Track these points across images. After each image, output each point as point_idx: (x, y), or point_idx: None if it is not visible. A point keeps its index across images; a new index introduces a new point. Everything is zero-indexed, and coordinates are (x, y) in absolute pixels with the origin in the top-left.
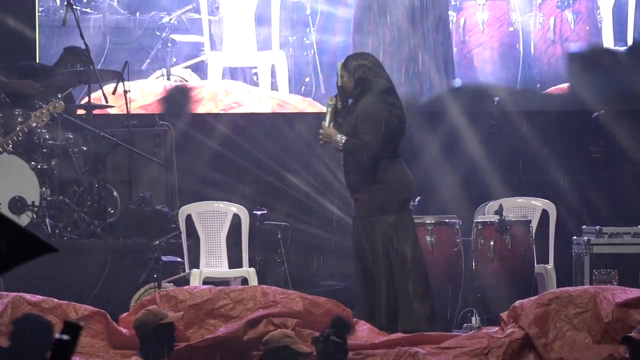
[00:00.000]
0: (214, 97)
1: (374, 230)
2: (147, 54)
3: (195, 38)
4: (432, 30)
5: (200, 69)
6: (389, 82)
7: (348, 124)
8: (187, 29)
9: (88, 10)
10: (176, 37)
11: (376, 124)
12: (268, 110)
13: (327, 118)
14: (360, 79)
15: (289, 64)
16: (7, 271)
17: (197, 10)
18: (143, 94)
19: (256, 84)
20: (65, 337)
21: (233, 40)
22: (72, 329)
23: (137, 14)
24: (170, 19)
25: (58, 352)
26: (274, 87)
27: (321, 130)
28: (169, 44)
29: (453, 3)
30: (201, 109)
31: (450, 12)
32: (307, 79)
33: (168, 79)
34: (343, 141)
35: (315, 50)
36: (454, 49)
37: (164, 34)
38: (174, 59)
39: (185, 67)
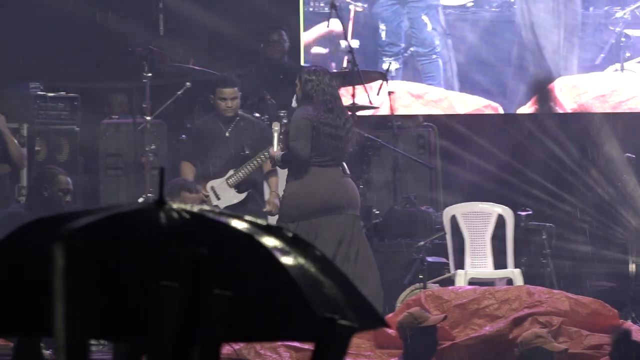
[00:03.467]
0: None
1: None
2: (601, 48)
3: None
4: None
5: None
6: (332, 100)
7: (285, 135)
8: None
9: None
10: (630, 31)
11: (299, 130)
12: None
13: (275, 143)
14: (307, 93)
15: None
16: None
17: None
18: (596, 89)
19: None
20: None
21: None
22: (345, 331)
23: (591, 9)
24: (624, 14)
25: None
26: None
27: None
28: (623, 39)
29: None
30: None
31: None
32: None
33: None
34: (279, 156)
35: None
36: None
37: (617, 29)
38: (628, 54)
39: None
